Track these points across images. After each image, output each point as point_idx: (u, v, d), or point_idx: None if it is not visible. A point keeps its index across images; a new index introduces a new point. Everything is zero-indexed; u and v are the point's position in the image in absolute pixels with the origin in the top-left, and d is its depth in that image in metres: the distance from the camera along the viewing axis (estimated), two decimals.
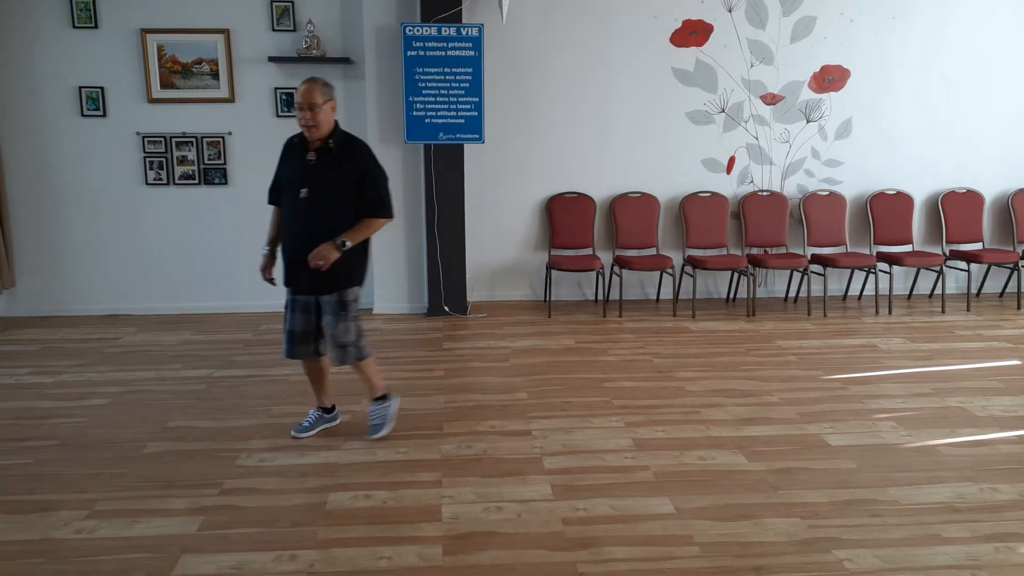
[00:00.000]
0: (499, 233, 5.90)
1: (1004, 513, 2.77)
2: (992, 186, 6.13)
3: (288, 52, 5.39)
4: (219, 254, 5.64)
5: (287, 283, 3.31)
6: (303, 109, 3.10)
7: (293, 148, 3.30)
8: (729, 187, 5.98)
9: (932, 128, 6.02)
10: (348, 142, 3.24)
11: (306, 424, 3.51)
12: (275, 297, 5.68)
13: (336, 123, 3.24)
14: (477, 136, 5.37)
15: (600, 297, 5.93)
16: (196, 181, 5.54)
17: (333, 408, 3.61)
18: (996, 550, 2.53)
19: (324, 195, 3.17)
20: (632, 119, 5.81)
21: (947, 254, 5.95)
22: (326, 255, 3.12)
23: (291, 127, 5.50)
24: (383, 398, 3.47)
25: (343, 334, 3.26)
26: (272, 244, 3.41)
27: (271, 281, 3.41)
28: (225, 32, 5.34)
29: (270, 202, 3.42)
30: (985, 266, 6.16)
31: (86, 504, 2.85)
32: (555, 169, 5.84)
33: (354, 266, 3.27)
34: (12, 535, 2.64)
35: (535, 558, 2.50)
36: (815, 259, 5.79)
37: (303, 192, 3.17)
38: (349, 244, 3.16)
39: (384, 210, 3.25)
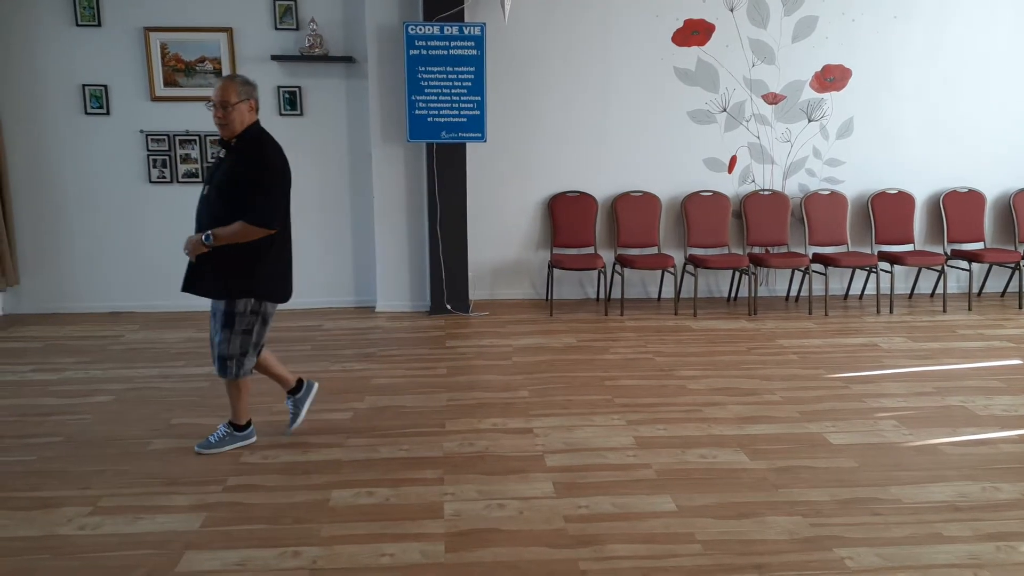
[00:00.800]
0: (501, 232, 5.90)
1: (1005, 512, 2.78)
2: (994, 185, 6.13)
3: (291, 51, 5.40)
4: None
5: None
6: (216, 107, 3.03)
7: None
8: (731, 186, 5.98)
9: (933, 127, 6.02)
10: (249, 143, 3.10)
11: (292, 416, 3.50)
12: None
13: (255, 123, 3.14)
14: (479, 135, 5.38)
15: (602, 296, 5.94)
16: (199, 179, 5.54)
17: (300, 382, 3.52)
18: (998, 549, 2.54)
19: (218, 194, 3.08)
20: (634, 118, 5.81)
21: (948, 253, 5.96)
22: (192, 247, 3.07)
23: (294, 126, 5.57)
24: (241, 428, 3.34)
25: (224, 345, 3.14)
26: None
27: None
28: (228, 30, 5.35)
29: None
30: (986, 266, 6.16)
31: (90, 500, 2.86)
32: (557, 168, 5.85)
33: (245, 275, 3.10)
34: (16, 531, 2.65)
35: (537, 555, 2.51)
36: (816, 258, 5.79)
37: (205, 189, 3.15)
38: (212, 241, 3.02)
39: (255, 216, 3.01)
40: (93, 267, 5.61)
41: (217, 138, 3.23)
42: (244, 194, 3.02)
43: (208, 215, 3.10)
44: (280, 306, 5.94)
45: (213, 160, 3.24)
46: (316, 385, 3.61)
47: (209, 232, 3.04)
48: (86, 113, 5.39)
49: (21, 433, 3.49)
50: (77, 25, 5.27)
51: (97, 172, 5.49)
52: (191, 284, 3.19)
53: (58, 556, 2.51)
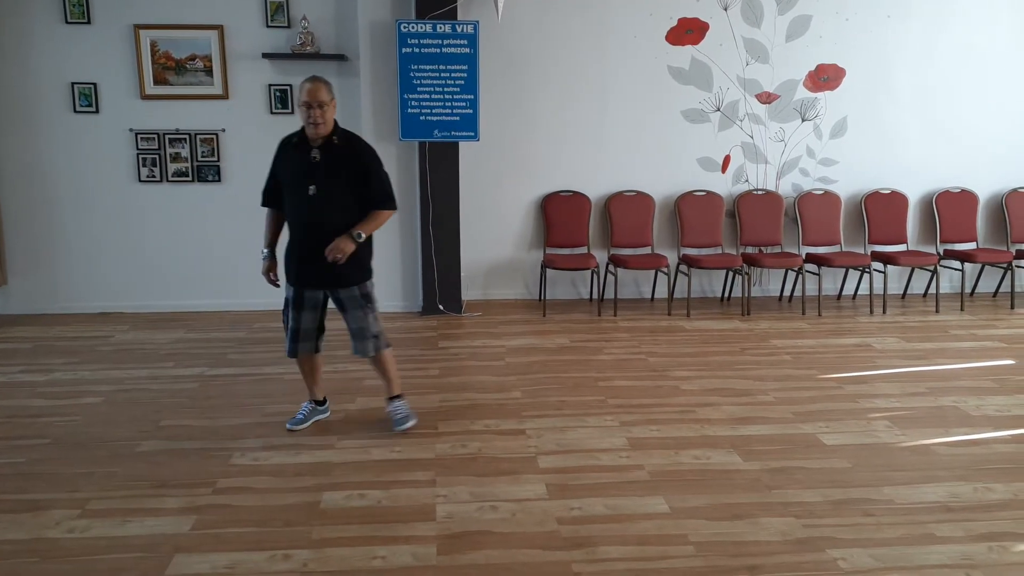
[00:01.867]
0: (494, 231, 5.89)
1: (998, 512, 2.78)
2: (986, 186, 6.14)
3: (282, 48, 5.37)
4: (212, 251, 5.61)
5: (296, 281, 3.33)
6: (312, 107, 3.13)
7: (291, 147, 3.30)
8: (724, 186, 5.98)
9: (927, 127, 6.02)
10: (351, 138, 3.31)
11: (300, 416, 3.55)
12: (269, 295, 5.64)
13: (335, 120, 3.29)
14: (472, 134, 5.36)
15: (595, 296, 5.92)
16: (189, 178, 5.51)
17: (325, 401, 3.67)
18: (990, 549, 2.54)
19: (332, 191, 3.21)
20: (627, 117, 5.80)
21: (941, 254, 5.97)
22: (343, 248, 3.19)
23: (285, 124, 5.52)
24: (399, 396, 3.56)
25: (371, 325, 3.41)
26: (271, 246, 3.44)
27: (276, 283, 3.44)
28: (219, 28, 5.31)
29: (264, 204, 3.43)
30: (979, 266, 6.17)
31: (79, 503, 2.83)
32: (550, 167, 5.83)
33: (367, 258, 3.41)
34: (4, 534, 2.62)
35: (529, 557, 2.50)
36: (810, 258, 5.80)
37: (312, 189, 3.20)
38: (364, 236, 3.25)
39: (392, 202, 3.35)
40: (82, 267, 5.57)
41: (295, 140, 3.28)
42: (366, 185, 3.26)
43: (322, 212, 3.22)
44: (270, 307, 5.94)
45: (300, 160, 3.26)
46: (330, 415, 3.71)
47: (357, 231, 3.22)
48: (75, 111, 5.35)
49: (9, 435, 3.45)
50: (66, 22, 5.22)
51: (86, 171, 5.45)
52: (332, 281, 3.33)
53: (46, 559, 2.48)
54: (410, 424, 3.49)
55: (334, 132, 3.23)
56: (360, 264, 3.35)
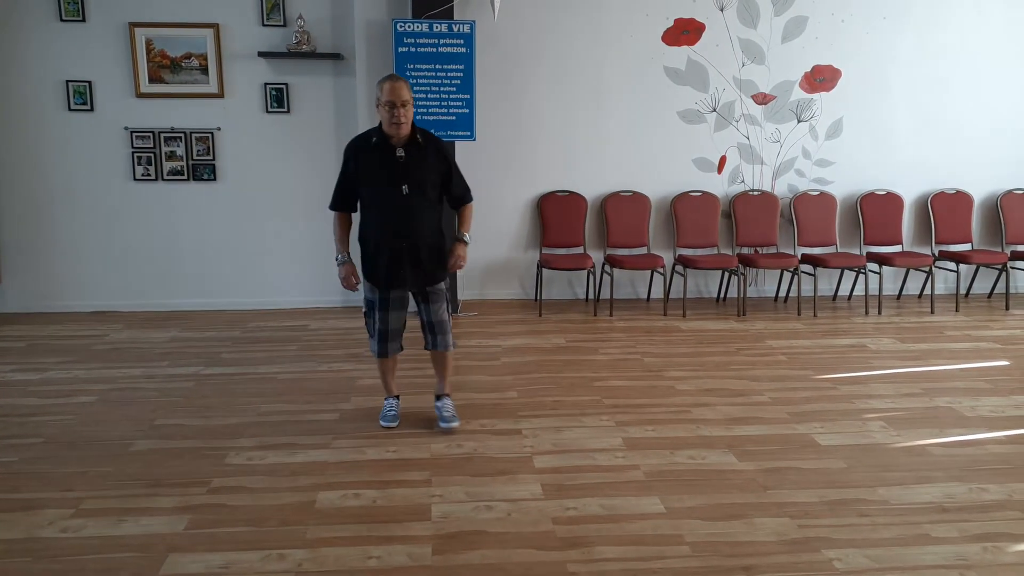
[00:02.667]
0: (490, 231, 5.87)
1: (993, 513, 2.78)
2: (981, 187, 6.16)
3: (278, 47, 5.35)
4: (207, 250, 5.60)
5: (387, 283, 3.32)
6: (396, 106, 3.12)
7: (370, 148, 3.25)
8: (720, 186, 5.98)
9: (922, 129, 6.04)
10: (429, 135, 3.35)
11: (393, 414, 3.57)
12: (263, 295, 5.68)
13: None
14: (468, 133, 5.35)
15: (591, 296, 5.92)
16: (185, 177, 5.49)
17: (398, 396, 3.72)
18: (984, 550, 2.54)
19: (423, 189, 3.26)
20: (624, 117, 5.80)
21: (936, 255, 5.98)
22: (463, 255, 3.37)
23: (281, 123, 5.52)
24: (449, 395, 3.64)
25: (448, 320, 3.49)
26: (347, 250, 3.40)
27: (356, 287, 3.41)
28: (215, 27, 5.29)
29: (335, 207, 3.39)
30: (974, 267, 6.19)
31: (72, 503, 2.82)
32: (546, 167, 5.83)
33: (448, 255, 3.45)
34: None
35: (525, 557, 2.49)
36: (805, 259, 5.80)
37: (405, 189, 3.21)
38: (469, 237, 3.41)
39: (471, 194, 3.49)
40: (77, 266, 5.55)
41: (374, 140, 3.25)
42: (450, 182, 3.35)
43: (416, 211, 3.26)
44: (265, 306, 5.93)
45: (385, 161, 3.25)
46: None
47: (464, 233, 3.40)
48: (70, 110, 5.33)
49: (2, 434, 3.44)
50: (61, 20, 5.20)
51: (81, 169, 5.43)
52: (425, 279, 3.37)
53: (39, 559, 2.47)
54: (456, 424, 3.49)
55: (415, 130, 3.25)
56: (445, 261, 3.42)
